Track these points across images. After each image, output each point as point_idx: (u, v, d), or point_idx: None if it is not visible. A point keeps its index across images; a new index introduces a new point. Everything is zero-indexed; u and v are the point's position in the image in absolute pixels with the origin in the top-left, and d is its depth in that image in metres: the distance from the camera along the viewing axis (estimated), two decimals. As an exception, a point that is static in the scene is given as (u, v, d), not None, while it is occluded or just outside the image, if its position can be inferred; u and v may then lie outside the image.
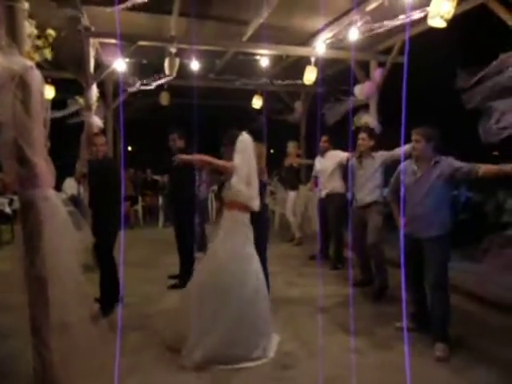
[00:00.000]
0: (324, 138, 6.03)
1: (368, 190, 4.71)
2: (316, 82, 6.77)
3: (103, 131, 5.94)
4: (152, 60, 6.90)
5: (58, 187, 8.31)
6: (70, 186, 8.32)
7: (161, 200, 9.62)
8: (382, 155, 4.72)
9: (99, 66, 5.90)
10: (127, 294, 4.35)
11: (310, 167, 6.78)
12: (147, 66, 7.10)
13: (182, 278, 4.96)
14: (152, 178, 10.46)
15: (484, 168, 3.17)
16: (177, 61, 6.02)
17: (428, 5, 3.90)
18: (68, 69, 6.09)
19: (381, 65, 6.56)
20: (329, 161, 5.94)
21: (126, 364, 3.09)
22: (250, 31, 5.71)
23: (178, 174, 5.00)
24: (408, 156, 3.65)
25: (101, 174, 4.11)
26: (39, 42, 2.59)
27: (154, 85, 6.61)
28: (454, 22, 3.90)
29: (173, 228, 5.30)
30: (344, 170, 5.73)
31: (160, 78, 6.50)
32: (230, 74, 8.05)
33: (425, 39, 5.43)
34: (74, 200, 7.12)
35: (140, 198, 9.87)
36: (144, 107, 10.24)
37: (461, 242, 5.23)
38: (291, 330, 3.63)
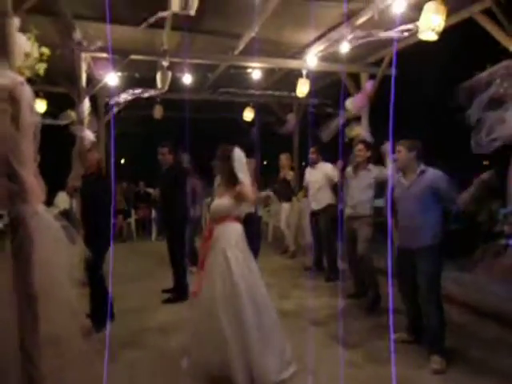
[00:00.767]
0: (312, 150, 6.06)
1: (360, 202, 4.73)
2: (308, 94, 6.82)
3: (95, 145, 5.92)
4: (144, 74, 6.92)
5: (50, 201, 8.28)
6: (63, 200, 8.24)
7: (154, 213, 9.57)
8: (378, 169, 4.75)
9: (91, 79, 5.90)
10: (121, 308, 4.29)
11: (302, 178, 6.80)
12: (139, 80, 7.12)
13: (176, 291, 4.93)
14: (145, 191, 10.41)
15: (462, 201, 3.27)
16: (169, 74, 6.04)
17: (418, 18, 3.97)
18: (60, 83, 6.08)
19: (372, 77, 6.63)
20: (319, 172, 5.97)
21: (120, 380, 3.05)
22: (241, 45, 5.75)
23: (169, 190, 5.01)
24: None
25: (93, 189, 4.09)
26: (33, 61, 2.59)
27: (144, 96, 6.60)
28: (444, 34, 3.97)
29: (165, 241, 5.26)
30: (335, 182, 5.75)
31: (151, 90, 6.50)
32: (222, 87, 8.10)
33: (416, 51, 5.52)
34: (67, 214, 7.06)
35: (133, 211, 9.81)
36: (137, 120, 10.23)
37: (454, 253, 5.24)
38: (287, 344, 3.58)
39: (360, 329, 4.03)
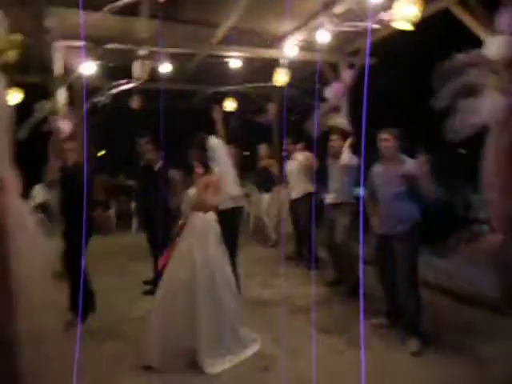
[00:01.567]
0: (287, 141, 6.13)
1: (338, 190, 4.79)
2: (287, 84, 6.82)
3: (73, 135, 5.80)
4: (122, 63, 6.79)
5: (27, 194, 8.09)
6: (39, 192, 8.07)
7: (133, 205, 9.47)
8: (348, 153, 4.77)
9: (67, 69, 5.76)
10: (102, 301, 4.27)
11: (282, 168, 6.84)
12: (117, 69, 6.98)
13: (156, 282, 4.91)
14: (125, 183, 10.28)
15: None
16: (147, 64, 5.95)
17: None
18: (34, 72, 5.92)
19: (351, 66, 6.67)
20: (295, 162, 6.02)
21: (103, 372, 3.05)
22: (220, 34, 5.70)
23: (147, 182, 4.95)
24: None
25: (72, 181, 4.02)
26: (3, 45, 2.52)
27: (122, 88, 6.49)
28: (422, 23, 4.02)
29: (145, 233, 5.22)
30: (311, 170, 5.82)
31: (129, 82, 6.39)
32: (200, 76, 8.02)
33: (395, 41, 5.57)
34: (43, 207, 6.93)
35: (113, 203, 9.68)
36: (114, 111, 10.05)
37: (430, 238, 5.37)
38: (268, 332, 3.63)
39: (340, 315, 4.11)
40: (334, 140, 4.83)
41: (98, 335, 3.68)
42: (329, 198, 4.90)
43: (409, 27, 3.95)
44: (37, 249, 2.65)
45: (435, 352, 3.30)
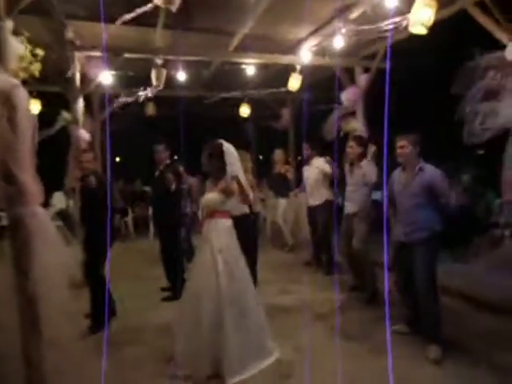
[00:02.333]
0: (305, 146, 6.07)
1: (354, 199, 4.75)
2: (303, 89, 6.83)
3: (91, 144, 5.92)
4: (139, 72, 6.90)
5: (47, 201, 8.26)
6: (59, 200, 8.23)
7: (150, 211, 9.56)
8: (369, 166, 4.74)
9: (85, 79, 5.88)
10: (120, 307, 4.31)
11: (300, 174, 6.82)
12: (134, 78, 7.10)
13: (173, 290, 4.93)
14: (141, 189, 10.39)
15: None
16: (163, 72, 6.04)
17: (409, 12, 3.98)
18: (54, 83, 6.06)
19: (366, 70, 6.64)
20: (313, 168, 5.98)
21: (123, 380, 3.07)
22: (235, 41, 5.75)
23: (162, 190, 4.91)
24: None
25: (91, 189, 4.08)
26: (28, 63, 2.59)
27: (140, 96, 6.59)
28: (437, 27, 3.98)
29: (159, 242, 5.25)
30: (331, 177, 5.79)
31: (146, 89, 6.49)
32: (216, 83, 8.08)
33: (409, 44, 5.52)
34: (63, 214, 7.06)
35: (130, 210, 9.80)
36: (131, 118, 10.20)
37: (451, 244, 5.29)
38: (287, 338, 3.61)
39: (361, 321, 4.06)
40: (351, 146, 4.79)
41: (118, 342, 3.71)
42: (347, 205, 4.86)
43: (424, 31, 3.92)
44: (57, 257, 2.70)
45: (456, 360, 3.23)
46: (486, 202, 7.19)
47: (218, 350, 3.04)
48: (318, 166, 5.91)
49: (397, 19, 4.11)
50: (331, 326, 3.93)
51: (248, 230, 3.78)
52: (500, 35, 4.09)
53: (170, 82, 6.76)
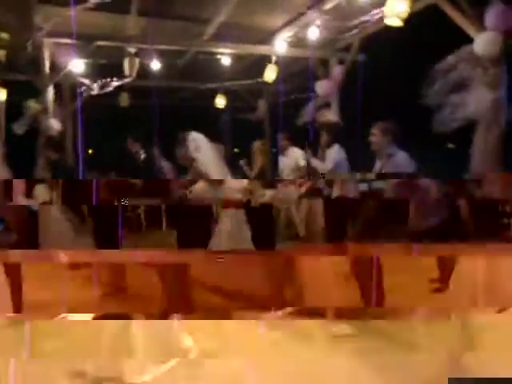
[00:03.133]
0: (281, 136, 6.09)
1: None
2: (278, 80, 6.83)
3: (62, 134, 5.76)
4: (111, 60, 6.74)
5: (29, 194, 7.96)
6: (42, 192, 7.95)
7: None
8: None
9: (54, 66, 5.70)
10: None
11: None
12: (106, 67, 6.92)
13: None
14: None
15: None
16: (136, 61, 5.91)
17: (384, 4, 4.03)
18: (22, 70, 5.85)
19: (341, 62, 6.70)
20: (290, 159, 6.01)
21: None
22: (210, 30, 5.69)
23: None
24: None
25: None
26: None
27: (113, 86, 6.44)
28: (413, 19, 4.05)
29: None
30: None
31: (119, 79, 6.34)
32: (191, 73, 7.98)
33: (385, 36, 5.60)
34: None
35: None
36: (104, 109, 9.96)
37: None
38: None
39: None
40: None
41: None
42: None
43: (399, 23, 3.99)
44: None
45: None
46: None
47: None
48: (294, 157, 5.94)
49: (372, 11, 4.16)
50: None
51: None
52: (468, 28, 4.20)
53: (144, 71, 6.63)
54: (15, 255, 2.47)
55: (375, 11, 4.21)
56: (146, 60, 6.40)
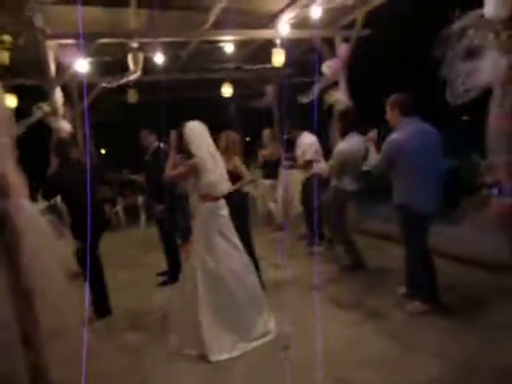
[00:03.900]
0: (292, 123, 6.03)
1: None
2: (284, 64, 6.73)
3: (73, 135, 5.80)
4: (115, 57, 6.73)
5: (34, 197, 8.11)
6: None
7: (141, 199, 9.50)
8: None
9: (60, 68, 5.71)
10: (118, 295, 4.32)
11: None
12: (111, 64, 6.92)
13: (170, 273, 4.94)
14: (129, 178, 10.28)
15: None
16: (140, 56, 5.89)
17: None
18: (29, 75, 5.89)
19: (346, 40, 6.56)
20: (298, 147, 5.96)
21: (126, 364, 3.09)
22: (211, 18, 5.61)
23: (154, 174, 4.90)
24: None
25: (74, 181, 4.01)
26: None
27: (120, 82, 6.43)
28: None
29: (156, 228, 5.22)
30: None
31: (125, 76, 6.33)
32: (195, 64, 7.93)
33: (390, 9, 5.46)
34: (52, 209, 6.95)
35: (120, 200, 9.72)
36: (112, 107, 10.01)
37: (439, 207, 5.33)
38: (285, 311, 3.64)
39: (353, 290, 4.12)
40: (335, 124, 4.80)
41: (118, 328, 3.73)
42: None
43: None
44: (50, 249, 2.68)
45: (453, 320, 3.30)
46: (472, 164, 7.26)
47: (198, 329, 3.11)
48: (307, 143, 5.88)
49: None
50: (324, 296, 3.99)
51: (237, 208, 3.77)
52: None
53: (149, 66, 6.61)
54: None
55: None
56: (149, 54, 6.37)
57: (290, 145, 6.24)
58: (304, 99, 6.62)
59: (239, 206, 4.13)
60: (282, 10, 5.87)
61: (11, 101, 6.41)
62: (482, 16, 3.50)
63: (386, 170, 3.53)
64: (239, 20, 5.85)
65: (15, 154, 2.55)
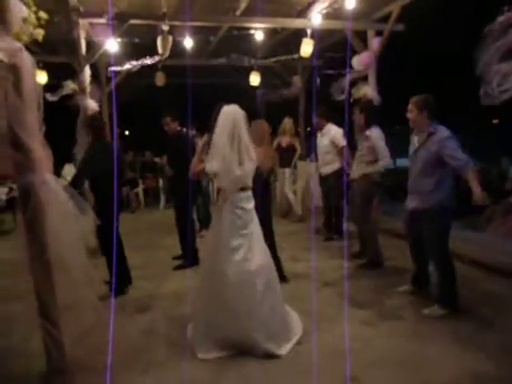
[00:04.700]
0: (316, 114, 5.94)
1: (358, 166, 4.68)
2: (313, 55, 6.61)
3: (99, 114, 5.86)
4: (145, 39, 6.75)
5: (58, 174, 8.29)
6: (70, 172, 8.25)
7: (161, 182, 9.60)
8: (377, 135, 4.54)
9: (91, 47, 5.76)
10: (134, 276, 4.39)
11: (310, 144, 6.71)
12: (140, 46, 6.95)
13: (186, 257, 4.98)
14: (151, 160, 10.39)
15: (470, 176, 3.15)
16: (170, 39, 5.88)
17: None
18: (59, 52, 5.96)
19: (378, 34, 6.41)
20: (325, 138, 5.88)
21: (137, 344, 3.14)
22: (243, 4, 5.56)
23: (176, 158, 4.94)
24: None
25: (101, 158, 4.06)
26: (31, 26, 2.49)
27: (147, 63, 6.45)
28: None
29: (173, 210, 5.26)
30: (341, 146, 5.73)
31: (153, 58, 6.34)
32: (224, 50, 7.88)
33: (424, 5, 5.30)
34: (75, 186, 7.08)
35: (140, 181, 9.84)
36: (140, 89, 10.06)
37: (464, 212, 5.22)
38: (299, 305, 3.61)
39: (369, 288, 4.08)
40: (356, 114, 4.69)
41: (130, 309, 3.78)
42: (353, 172, 4.81)
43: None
44: (72, 224, 2.71)
45: (469, 324, 3.23)
46: (501, 170, 7.05)
47: (243, 323, 2.93)
48: (330, 136, 5.81)
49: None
50: (340, 292, 3.96)
51: (262, 199, 3.68)
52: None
53: (176, 49, 6.60)
54: None
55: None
56: (179, 38, 6.36)
57: (313, 134, 6.20)
58: (338, 96, 6.52)
59: (262, 195, 4.07)
60: (314, 0, 5.76)
61: (42, 77, 6.54)
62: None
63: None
64: (270, 8, 5.78)
65: (43, 130, 2.59)
